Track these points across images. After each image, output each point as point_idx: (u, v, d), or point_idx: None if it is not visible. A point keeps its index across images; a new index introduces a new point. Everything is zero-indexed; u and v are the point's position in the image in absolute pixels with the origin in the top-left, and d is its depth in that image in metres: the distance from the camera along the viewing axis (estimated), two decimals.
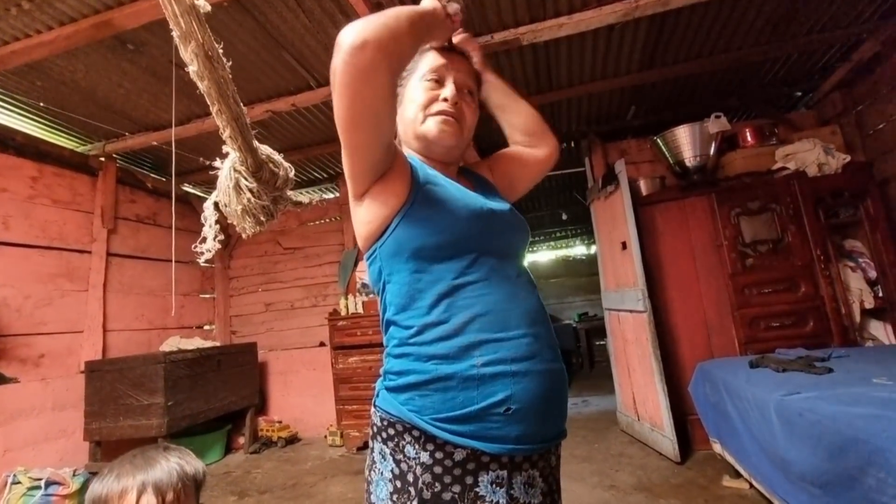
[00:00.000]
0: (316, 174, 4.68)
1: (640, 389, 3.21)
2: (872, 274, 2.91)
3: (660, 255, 3.22)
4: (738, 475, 2.26)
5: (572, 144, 4.39)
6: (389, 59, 0.63)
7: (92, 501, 0.67)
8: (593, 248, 6.43)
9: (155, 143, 3.42)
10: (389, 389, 0.72)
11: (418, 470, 0.66)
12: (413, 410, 0.67)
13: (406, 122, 0.84)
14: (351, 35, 0.61)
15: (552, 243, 9.41)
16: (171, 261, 4.29)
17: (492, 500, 0.64)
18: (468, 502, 0.64)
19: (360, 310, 3.98)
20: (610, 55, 2.97)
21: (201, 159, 3.65)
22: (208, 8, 0.89)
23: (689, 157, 3.28)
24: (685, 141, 3.26)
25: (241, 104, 1.08)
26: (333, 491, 2.88)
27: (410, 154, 0.85)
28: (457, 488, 0.64)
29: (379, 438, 0.71)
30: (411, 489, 0.65)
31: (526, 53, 2.87)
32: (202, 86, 0.95)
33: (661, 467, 2.75)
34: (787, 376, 1.87)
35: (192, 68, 0.92)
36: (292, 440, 4.15)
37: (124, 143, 3.54)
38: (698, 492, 2.37)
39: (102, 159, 3.71)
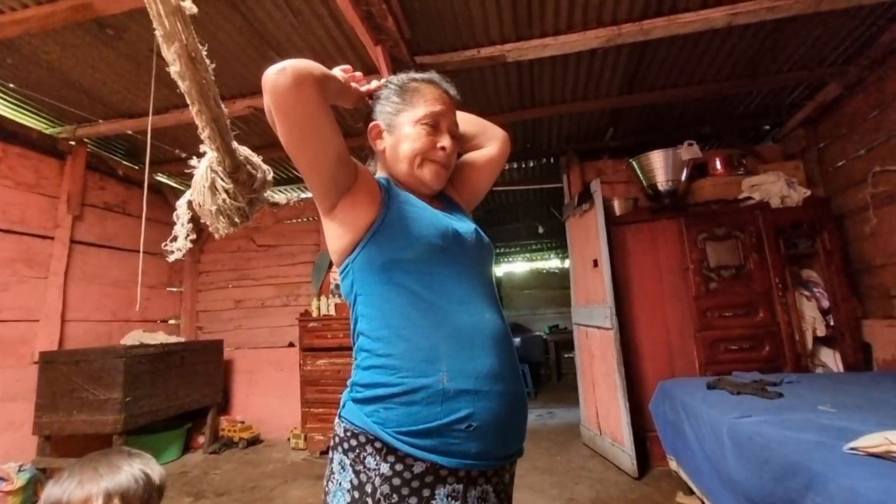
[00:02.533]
0: (295, 172, 4.62)
1: (603, 404, 3.28)
2: (825, 303, 3.07)
3: (629, 274, 3.32)
4: (691, 492, 2.33)
5: (552, 160, 4.48)
6: (308, 80, 0.71)
7: None
8: (567, 262, 6.62)
9: (130, 131, 3.33)
10: (356, 401, 0.73)
11: (377, 481, 0.67)
12: (377, 423, 0.69)
13: (398, 156, 0.88)
14: (273, 68, 0.71)
15: (528, 255, 9.52)
16: (138, 251, 4.19)
17: None
18: None
19: (332, 312, 3.94)
20: (592, 78, 3.06)
21: (177, 151, 3.57)
22: (195, 10, 0.89)
23: (661, 181, 3.39)
24: (659, 165, 3.37)
25: (223, 106, 1.07)
26: (293, 495, 2.84)
27: (382, 175, 0.87)
28: (413, 500, 0.66)
29: (340, 449, 0.73)
30: (368, 499, 0.67)
31: (511, 70, 2.93)
32: (183, 86, 0.94)
33: (619, 482, 2.81)
34: (740, 399, 1.95)
35: (174, 69, 0.91)
36: (254, 441, 4.07)
37: (97, 129, 3.43)
38: None
39: (73, 143, 3.58)
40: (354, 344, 0.79)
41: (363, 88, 0.94)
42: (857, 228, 3.09)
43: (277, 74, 0.70)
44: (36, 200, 3.41)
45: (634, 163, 3.52)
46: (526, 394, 0.81)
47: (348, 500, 0.69)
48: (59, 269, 3.49)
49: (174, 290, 4.70)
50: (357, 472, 0.69)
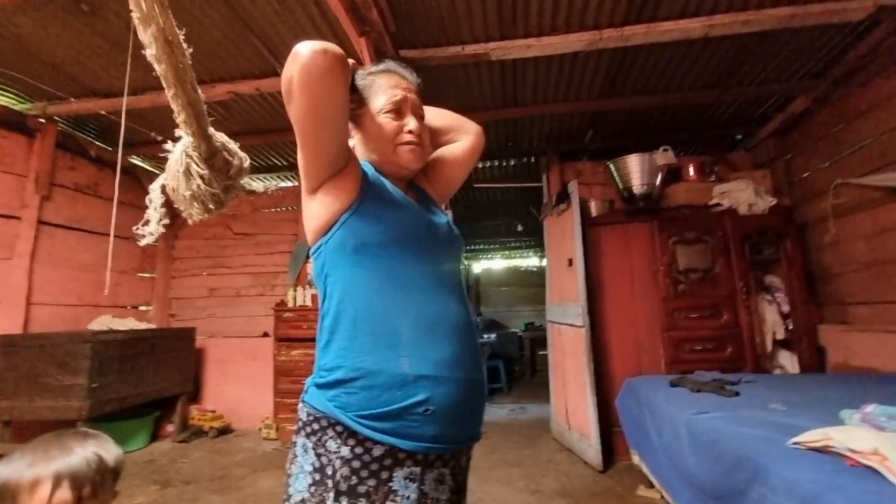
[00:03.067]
0: (275, 160, 4.57)
1: (572, 400, 3.37)
2: (786, 308, 3.21)
3: (602, 274, 3.40)
4: (651, 486, 2.42)
5: (532, 160, 4.54)
6: (343, 67, 0.73)
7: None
8: (544, 261, 6.73)
9: (103, 111, 3.24)
10: (318, 386, 0.76)
11: (337, 463, 0.70)
12: (338, 407, 0.72)
13: (370, 149, 0.90)
14: (311, 45, 0.70)
15: (506, 252, 9.61)
16: (107, 234, 4.07)
17: (404, 495, 0.70)
18: (381, 495, 0.69)
19: (308, 302, 3.92)
20: (573, 80, 3.12)
21: (153, 134, 3.49)
22: None
23: (637, 184, 3.47)
24: (635, 169, 3.46)
25: (199, 90, 1.07)
26: (263, 485, 2.83)
27: (365, 162, 0.90)
28: (372, 482, 0.69)
29: (303, 433, 0.75)
30: (329, 481, 0.69)
31: (494, 68, 2.96)
32: (159, 69, 0.94)
33: (584, 475, 2.90)
34: (700, 396, 2.04)
35: (150, 52, 0.91)
36: (225, 431, 4.03)
37: (68, 107, 3.33)
38: (615, 500, 2.52)
39: (42, 121, 3.46)
40: (320, 325, 0.81)
41: None
42: (818, 237, 3.24)
43: (317, 55, 0.69)
44: (1, 179, 3.29)
45: (612, 165, 3.60)
46: (486, 382, 0.84)
47: (310, 481, 0.71)
48: (25, 250, 3.38)
49: (146, 275, 4.60)
50: (318, 455, 0.71)
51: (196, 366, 4.23)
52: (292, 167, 4.65)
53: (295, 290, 4.03)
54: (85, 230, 3.91)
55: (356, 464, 0.69)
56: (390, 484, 0.69)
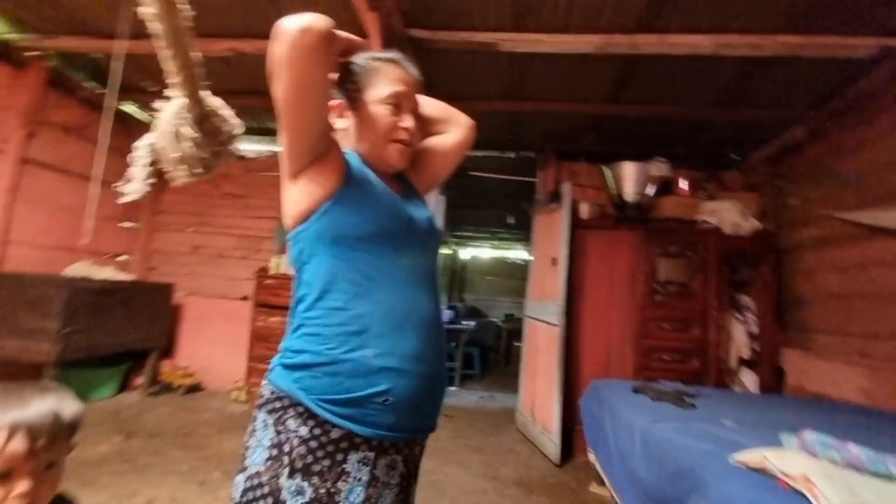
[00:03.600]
0: (272, 124, 4.50)
1: (539, 395, 3.46)
2: (754, 329, 3.31)
3: (584, 277, 3.46)
4: (603, 483, 2.52)
5: (530, 154, 4.53)
6: (328, 45, 0.73)
7: None
8: (531, 256, 6.71)
9: (99, 54, 3.14)
10: (284, 366, 0.78)
11: (295, 442, 0.73)
12: (302, 389, 0.74)
13: (362, 136, 0.89)
14: (295, 22, 0.70)
15: (495, 242, 9.64)
16: (94, 179, 4.00)
17: (356, 476, 0.73)
18: (334, 475, 0.72)
19: (291, 271, 3.92)
20: (579, 81, 3.11)
21: (147, 84, 3.40)
22: None
23: (629, 192, 3.52)
24: (629, 177, 3.50)
25: (196, 53, 1.06)
26: (227, 446, 2.87)
27: (351, 152, 0.90)
28: (327, 462, 0.72)
29: (264, 409, 0.77)
30: (285, 458, 0.72)
31: (502, 59, 2.94)
32: (159, 29, 0.93)
33: (541, 467, 3.00)
34: (658, 405, 2.11)
35: (150, 10, 0.90)
36: (194, 389, 4.05)
37: (62, 43, 3.22)
38: (568, 493, 2.63)
39: (34, 54, 3.34)
40: (292, 310, 0.83)
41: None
42: (795, 264, 3.32)
43: (302, 34, 0.68)
44: None
45: (607, 170, 3.63)
46: (446, 377, 0.88)
47: (266, 456, 0.74)
48: (4, 186, 3.30)
49: (128, 225, 4.53)
50: (278, 432, 0.74)
51: (172, 322, 4.22)
52: None
53: (279, 258, 4.02)
54: (70, 172, 3.83)
55: (313, 444, 0.72)
56: (344, 465, 0.73)
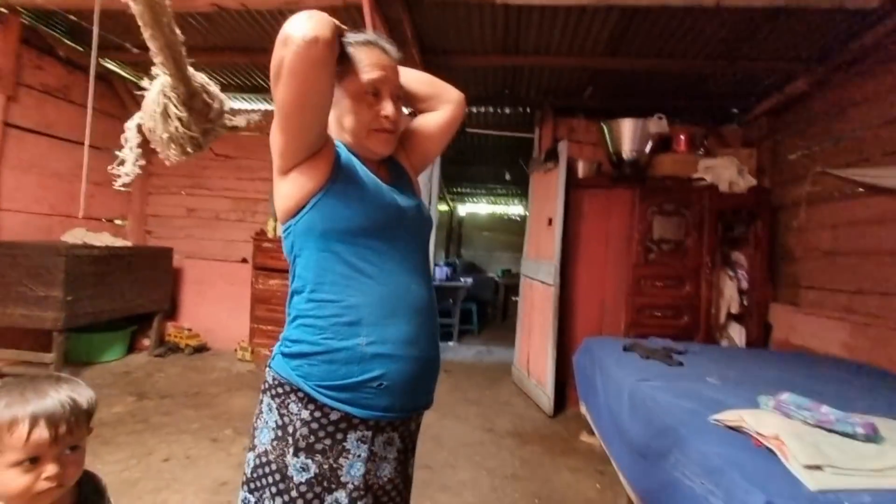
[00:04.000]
0: (261, 81, 4.34)
1: (534, 350, 3.58)
2: (745, 285, 3.39)
3: (579, 236, 3.49)
4: (593, 434, 2.68)
5: (527, 110, 4.43)
6: (333, 54, 0.72)
7: None
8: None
9: (73, 17, 2.98)
10: (284, 355, 0.82)
11: (298, 424, 0.78)
12: (301, 376, 0.79)
13: (344, 127, 0.88)
14: (302, 30, 0.68)
15: (492, 198, 9.60)
16: (80, 143, 3.91)
17: (355, 453, 0.79)
18: (335, 453, 0.78)
19: None
20: (578, 35, 2.99)
21: (127, 45, 3.26)
22: None
23: (627, 149, 3.47)
24: (627, 134, 3.44)
25: (177, 32, 1.02)
26: (236, 403, 3.01)
27: (338, 141, 0.89)
28: (328, 441, 0.78)
29: (269, 394, 0.82)
30: (289, 438, 0.78)
31: (498, 12, 2.80)
32: (134, 8, 0.90)
33: (536, 419, 3.16)
34: (647, 364, 2.21)
35: None
36: (200, 349, 4.18)
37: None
38: (559, 443, 2.79)
39: (4, 11, 3.17)
40: (289, 301, 0.85)
41: None
42: (788, 221, 3.35)
43: (309, 45, 0.67)
44: None
45: (605, 126, 3.57)
46: (439, 357, 0.92)
47: (272, 436, 0.80)
48: None
49: (120, 188, 4.48)
50: (282, 415, 0.80)
51: (173, 285, 4.28)
52: None
53: (275, 221, 4.02)
54: (56, 136, 3.74)
55: (314, 426, 0.77)
56: (344, 444, 0.78)
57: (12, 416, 0.67)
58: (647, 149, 3.46)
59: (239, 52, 3.66)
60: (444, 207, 9.43)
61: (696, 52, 3.09)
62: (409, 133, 1.03)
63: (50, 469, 0.69)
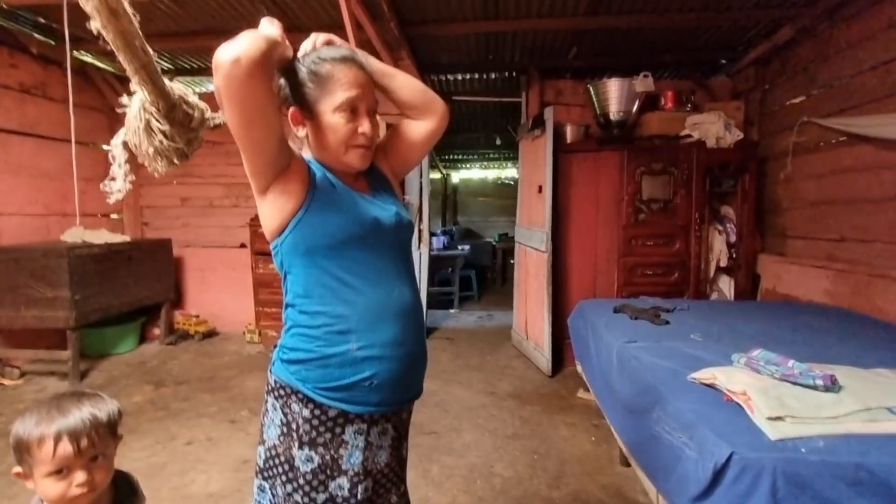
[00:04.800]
0: None
1: (531, 314, 3.70)
2: (733, 238, 3.46)
3: (570, 201, 3.53)
4: (588, 390, 2.83)
5: (513, 74, 4.37)
6: (260, 68, 0.74)
7: (15, 442, 0.78)
8: None
9: (41, 18, 2.91)
10: (283, 361, 0.90)
11: (300, 421, 0.87)
12: (299, 380, 0.87)
13: (322, 144, 0.91)
14: (227, 55, 0.71)
15: (485, 163, 9.54)
16: (66, 140, 3.90)
17: (353, 444, 0.89)
18: (336, 445, 0.87)
19: None
20: None
21: (101, 42, 3.18)
22: None
23: (614, 111, 3.46)
24: (613, 95, 3.41)
25: (150, 52, 1.04)
26: (249, 385, 3.16)
27: (312, 158, 0.93)
28: (328, 435, 0.87)
29: (273, 395, 0.91)
30: (294, 434, 0.88)
31: None
32: (107, 37, 0.92)
33: (535, 379, 3.32)
34: (636, 324, 2.31)
35: (95, 24, 0.88)
36: (210, 334, 4.31)
37: None
38: (558, 400, 2.95)
39: None
40: (284, 312, 0.93)
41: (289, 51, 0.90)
42: (776, 173, 3.38)
43: (232, 66, 0.70)
44: None
45: (591, 88, 3.53)
46: (426, 352, 1.01)
47: (279, 432, 0.89)
48: None
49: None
50: (285, 414, 0.89)
51: (176, 274, 4.37)
52: None
53: (259, 200, 4.04)
54: (41, 136, 3.72)
55: (315, 422, 0.86)
56: (342, 436, 0.88)
57: (40, 434, 0.76)
58: (635, 108, 3.45)
59: (213, 35, 3.58)
60: (436, 175, 9.39)
61: (679, 6, 3.03)
62: (392, 139, 1.07)
63: (79, 477, 0.78)
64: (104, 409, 0.83)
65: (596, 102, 3.54)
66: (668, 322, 2.29)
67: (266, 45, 0.75)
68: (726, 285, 3.48)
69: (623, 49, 3.78)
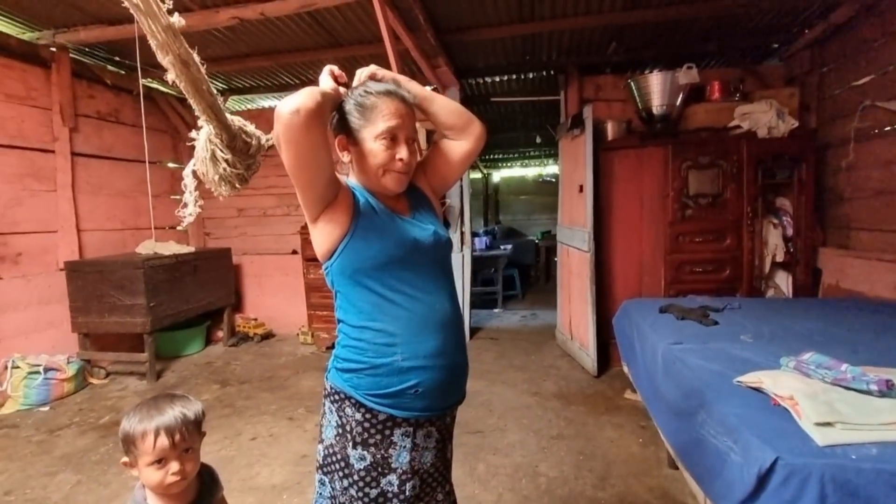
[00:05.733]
0: (286, 79, 4.51)
1: (576, 314, 3.68)
2: (790, 232, 3.28)
3: (612, 199, 3.48)
4: (635, 391, 2.79)
5: (551, 73, 4.34)
6: (316, 118, 0.84)
7: (123, 437, 0.93)
8: None
9: (110, 38, 3.22)
10: (337, 370, 1.00)
11: (353, 423, 0.97)
12: (351, 387, 0.97)
13: (363, 168, 1.00)
14: (287, 106, 0.82)
15: (526, 161, 9.46)
16: (137, 161, 4.29)
17: (401, 445, 0.97)
18: (385, 445, 0.97)
19: None
20: None
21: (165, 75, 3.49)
22: (183, 23, 0.96)
23: (656, 105, 3.37)
24: (655, 89, 3.33)
25: (215, 92, 1.18)
26: (305, 384, 3.35)
27: (357, 185, 1.02)
28: (378, 437, 0.96)
29: (329, 399, 1.02)
30: (348, 434, 0.98)
31: None
32: (180, 85, 1.05)
33: (580, 379, 3.30)
34: (682, 324, 2.27)
35: (171, 75, 1.01)
36: (267, 336, 4.59)
37: (77, 36, 3.31)
38: (604, 401, 2.93)
39: (53, 49, 3.48)
40: (338, 325, 1.03)
41: (342, 90, 1.01)
42: (836, 161, 3.18)
43: (292, 116, 0.81)
44: (30, 113, 3.43)
45: (632, 83, 3.46)
46: (467, 362, 1.08)
47: (335, 433, 1.00)
48: (65, 181, 3.63)
49: (176, 197, 4.87)
50: (340, 417, 0.99)
51: (235, 280, 4.69)
52: (304, 83, 4.57)
53: (311, 227, 4.25)
54: (114, 158, 4.11)
55: (366, 425, 0.96)
56: (391, 438, 0.97)
57: (143, 430, 0.91)
58: (679, 101, 3.34)
59: (262, 55, 3.83)
60: (477, 175, 9.42)
61: None
62: (432, 159, 1.15)
63: (173, 467, 0.92)
64: (192, 408, 0.96)
65: (637, 97, 3.46)
66: (716, 322, 2.24)
67: (321, 98, 0.85)
68: (783, 281, 3.31)
69: (665, 41, 3.67)
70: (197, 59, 1.04)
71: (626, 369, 2.87)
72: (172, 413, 0.93)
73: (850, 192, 3.06)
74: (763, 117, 3.17)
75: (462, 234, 4.32)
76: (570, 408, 2.84)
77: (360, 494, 0.96)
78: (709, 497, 1.43)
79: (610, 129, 3.56)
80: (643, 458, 2.24)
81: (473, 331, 4.64)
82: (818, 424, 1.12)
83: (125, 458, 0.94)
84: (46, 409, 3.01)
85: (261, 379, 3.49)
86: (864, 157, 2.90)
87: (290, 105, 0.81)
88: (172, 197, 4.80)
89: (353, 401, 0.96)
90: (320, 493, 1.03)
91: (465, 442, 2.40)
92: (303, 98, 0.82)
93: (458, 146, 1.12)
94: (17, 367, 3.01)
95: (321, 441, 1.02)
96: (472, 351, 3.80)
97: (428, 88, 1.12)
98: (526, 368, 3.57)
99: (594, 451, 2.32)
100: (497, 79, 4.58)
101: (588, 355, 3.39)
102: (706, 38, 3.61)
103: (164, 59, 0.99)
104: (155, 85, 4.46)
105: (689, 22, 3.34)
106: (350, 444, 0.96)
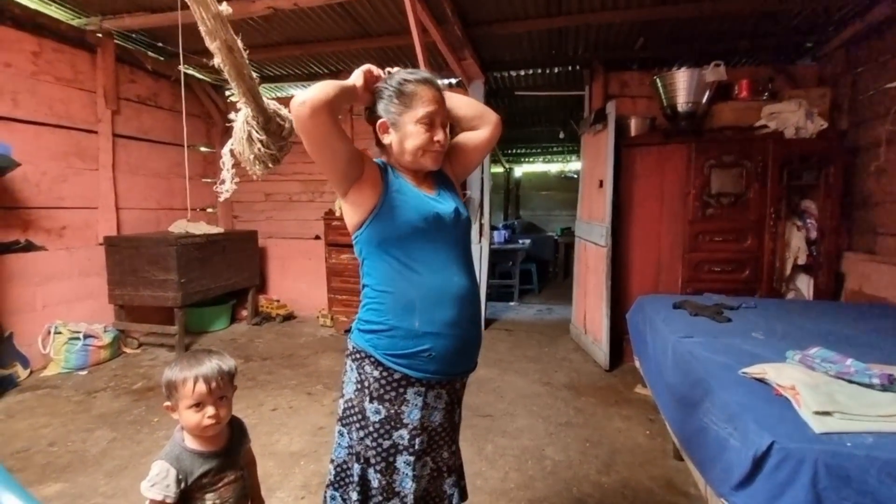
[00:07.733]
0: (316, 68, 4.63)
1: (590, 309, 3.71)
2: (814, 234, 3.23)
3: (632, 196, 3.49)
4: (646, 386, 2.82)
5: (577, 68, 4.34)
6: (322, 110, 0.93)
7: (166, 383, 1.04)
8: None
9: (153, 25, 3.38)
10: (360, 330, 1.09)
11: (371, 380, 1.06)
12: (371, 346, 1.06)
13: (404, 149, 1.09)
14: (297, 99, 0.93)
15: (548, 157, 9.43)
16: (172, 144, 4.47)
17: (413, 403, 1.06)
18: (399, 401, 1.06)
19: None
20: None
21: (204, 60, 3.65)
22: (230, 11, 1.05)
23: (682, 102, 3.35)
24: (681, 86, 3.31)
25: (254, 76, 1.27)
26: (323, 363, 3.49)
27: (388, 164, 1.12)
28: (393, 393, 1.06)
29: (350, 358, 1.11)
30: (366, 390, 1.07)
31: None
32: (224, 69, 1.15)
33: (592, 373, 3.34)
34: (695, 321, 2.29)
35: (217, 60, 1.11)
36: (289, 317, 4.76)
37: (122, 22, 3.48)
38: (614, 394, 2.97)
39: (100, 35, 3.66)
40: (362, 290, 1.12)
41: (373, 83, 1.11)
42: (867, 163, 3.11)
43: (299, 107, 0.92)
44: (76, 95, 3.63)
45: (658, 80, 3.45)
46: (480, 334, 1.16)
47: (354, 388, 1.09)
48: (106, 161, 3.84)
49: (208, 180, 5.07)
50: (360, 374, 1.08)
51: (260, 262, 4.86)
52: (333, 74, 4.69)
53: (341, 200, 4.37)
54: (151, 140, 4.30)
55: (383, 381, 1.05)
56: (405, 395, 1.06)
57: (184, 377, 1.02)
58: (705, 99, 3.32)
59: (294, 45, 3.95)
60: (498, 170, 9.43)
61: None
62: (454, 148, 1.25)
63: (209, 410, 1.02)
64: (226, 362, 1.07)
65: (662, 94, 3.45)
66: (729, 319, 2.25)
67: (333, 92, 0.95)
68: (804, 284, 3.27)
69: (694, 37, 3.64)
70: (240, 45, 1.14)
71: (637, 364, 2.89)
72: (210, 364, 1.04)
73: (880, 196, 3.00)
74: (791, 117, 3.13)
75: (481, 226, 4.38)
76: (580, 398, 2.89)
77: (374, 444, 1.05)
78: (708, 483, 1.48)
79: (633, 126, 3.56)
80: (649, 449, 2.28)
81: (489, 322, 4.71)
82: (817, 413, 1.15)
83: (167, 402, 1.05)
84: (84, 372, 3.21)
85: (282, 356, 3.64)
86: (895, 161, 2.84)
87: (300, 98, 0.92)
88: (204, 180, 5.00)
89: (372, 359, 1.05)
90: (339, 443, 1.13)
91: (475, 424, 2.48)
92: (311, 92, 0.92)
93: (478, 135, 1.23)
94: (59, 333, 3.22)
95: (342, 396, 1.12)
96: (486, 340, 3.87)
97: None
98: (538, 360, 3.62)
99: (601, 439, 2.37)
100: (522, 72, 4.60)
101: (601, 349, 3.42)
102: (737, 35, 3.56)
103: (211, 45, 1.08)
104: (191, 72, 4.63)
105: (719, 19, 3.30)
106: (367, 398, 1.06)
